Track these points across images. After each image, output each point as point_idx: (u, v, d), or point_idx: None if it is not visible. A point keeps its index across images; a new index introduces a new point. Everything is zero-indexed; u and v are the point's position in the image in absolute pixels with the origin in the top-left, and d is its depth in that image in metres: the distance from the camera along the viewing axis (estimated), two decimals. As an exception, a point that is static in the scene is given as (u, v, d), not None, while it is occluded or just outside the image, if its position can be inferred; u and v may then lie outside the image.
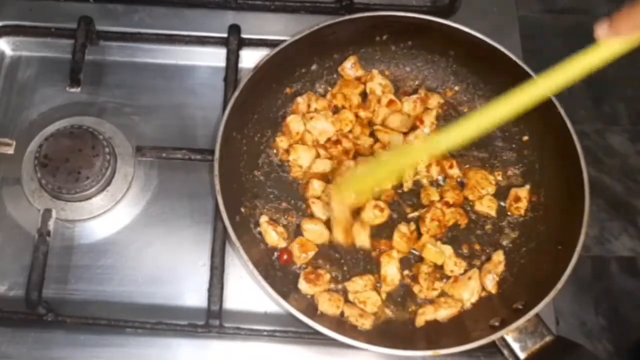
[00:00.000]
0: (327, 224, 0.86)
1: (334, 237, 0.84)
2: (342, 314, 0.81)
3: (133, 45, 0.98)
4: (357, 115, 0.93)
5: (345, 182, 0.82)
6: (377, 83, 0.94)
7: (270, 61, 0.85)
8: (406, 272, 0.85)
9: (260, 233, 0.86)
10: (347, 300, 0.82)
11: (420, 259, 0.86)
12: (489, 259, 0.86)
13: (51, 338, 0.81)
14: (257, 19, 0.99)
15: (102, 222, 0.88)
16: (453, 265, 0.85)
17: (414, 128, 0.92)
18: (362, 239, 0.85)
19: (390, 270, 0.84)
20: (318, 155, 0.91)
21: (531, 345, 0.76)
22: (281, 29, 0.96)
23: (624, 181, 1.86)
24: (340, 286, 0.84)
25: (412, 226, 0.87)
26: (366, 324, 0.80)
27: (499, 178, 0.91)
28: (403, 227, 0.86)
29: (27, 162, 0.89)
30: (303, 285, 0.83)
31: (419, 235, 0.86)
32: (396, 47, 0.95)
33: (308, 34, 0.87)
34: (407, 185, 0.89)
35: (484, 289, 0.84)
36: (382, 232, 0.87)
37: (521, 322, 0.75)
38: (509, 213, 0.89)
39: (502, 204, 0.90)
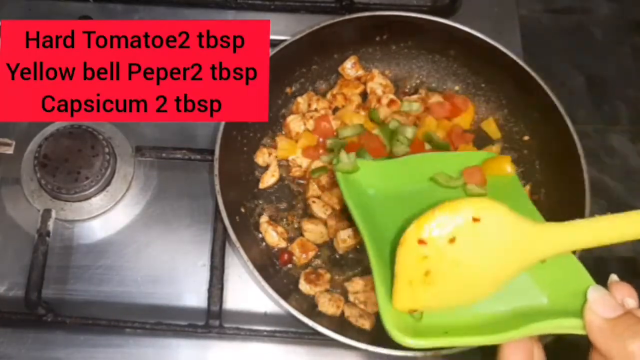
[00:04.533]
0: (327, 223, 0.85)
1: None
2: (342, 314, 0.81)
3: (133, 45, 0.98)
4: (357, 115, 0.93)
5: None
6: (378, 83, 0.94)
7: (270, 61, 0.84)
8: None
9: (260, 233, 0.86)
10: (347, 301, 0.82)
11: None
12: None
13: (51, 338, 0.81)
14: (257, 19, 0.99)
15: (101, 222, 0.88)
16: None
17: (414, 128, 0.92)
18: None
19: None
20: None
21: (532, 346, 0.76)
22: (281, 28, 0.95)
23: (624, 182, 1.85)
24: (340, 286, 0.84)
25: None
26: (366, 324, 0.80)
27: (500, 178, 0.91)
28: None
29: (26, 162, 0.88)
30: (303, 286, 0.82)
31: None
32: (396, 46, 0.95)
33: (308, 34, 0.87)
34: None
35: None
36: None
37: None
38: (509, 213, 0.89)
39: (503, 204, 0.89)
